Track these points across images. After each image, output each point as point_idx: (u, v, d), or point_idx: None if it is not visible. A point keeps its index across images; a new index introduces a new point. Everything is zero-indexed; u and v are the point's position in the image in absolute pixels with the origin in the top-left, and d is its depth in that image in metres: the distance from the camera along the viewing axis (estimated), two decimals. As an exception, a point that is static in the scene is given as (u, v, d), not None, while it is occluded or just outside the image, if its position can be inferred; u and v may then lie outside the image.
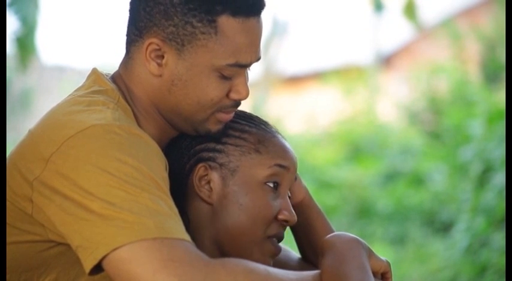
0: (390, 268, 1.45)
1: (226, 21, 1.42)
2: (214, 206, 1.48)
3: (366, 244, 1.42)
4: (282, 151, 1.52)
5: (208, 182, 1.49)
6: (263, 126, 1.54)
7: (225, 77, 1.44)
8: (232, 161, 1.49)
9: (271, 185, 1.49)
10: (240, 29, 1.43)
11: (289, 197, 1.54)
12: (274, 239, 1.50)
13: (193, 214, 1.50)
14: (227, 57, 1.43)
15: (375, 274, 1.40)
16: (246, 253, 1.47)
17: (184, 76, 1.43)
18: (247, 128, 1.52)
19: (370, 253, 1.41)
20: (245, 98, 1.47)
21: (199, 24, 1.41)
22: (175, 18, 1.41)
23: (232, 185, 1.48)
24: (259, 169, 1.49)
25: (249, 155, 1.49)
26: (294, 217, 1.50)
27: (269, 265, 1.48)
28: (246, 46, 1.44)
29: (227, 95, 1.46)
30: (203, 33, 1.41)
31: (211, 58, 1.42)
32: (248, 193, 1.47)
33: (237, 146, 1.50)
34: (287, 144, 1.54)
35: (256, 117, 1.56)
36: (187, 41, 1.42)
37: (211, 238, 1.49)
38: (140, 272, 1.26)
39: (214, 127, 1.48)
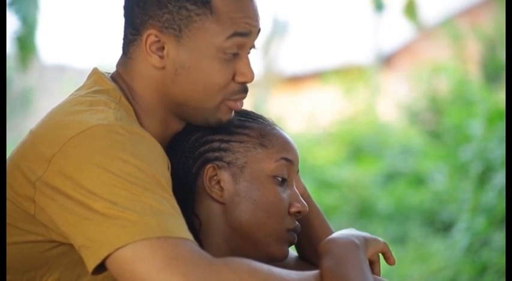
0: (388, 248, 1.48)
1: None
2: (227, 204, 1.48)
3: (362, 235, 1.44)
4: (285, 144, 1.53)
5: (218, 182, 1.49)
6: (261, 120, 1.54)
7: (227, 60, 1.44)
8: (239, 157, 1.49)
9: (279, 178, 1.49)
10: (234, 4, 1.43)
11: None
12: (292, 232, 1.50)
13: (204, 215, 1.50)
14: (225, 32, 1.43)
15: (372, 261, 1.45)
16: (263, 245, 1.48)
17: (187, 63, 1.43)
18: (247, 123, 1.52)
19: (367, 241, 1.44)
20: (251, 80, 1.47)
21: (193, 7, 1.42)
22: (169, 5, 1.42)
23: (242, 181, 1.48)
24: (267, 162, 1.49)
25: (255, 150, 1.50)
26: (305, 206, 1.51)
27: (286, 252, 1.50)
28: (243, 18, 1.44)
29: (233, 79, 1.46)
30: (198, 14, 1.42)
31: (211, 38, 1.43)
32: (260, 187, 1.48)
33: (241, 142, 1.50)
34: (287, 136, 1.55)
35: (251, 111, 1.56)
36: (184, 25, 1.42)
37: (223, 237, 1.49)
38: (144, 271, 1.26)
39: (225, 117, 1.48)
